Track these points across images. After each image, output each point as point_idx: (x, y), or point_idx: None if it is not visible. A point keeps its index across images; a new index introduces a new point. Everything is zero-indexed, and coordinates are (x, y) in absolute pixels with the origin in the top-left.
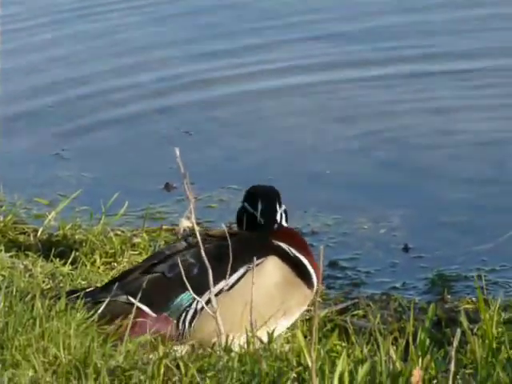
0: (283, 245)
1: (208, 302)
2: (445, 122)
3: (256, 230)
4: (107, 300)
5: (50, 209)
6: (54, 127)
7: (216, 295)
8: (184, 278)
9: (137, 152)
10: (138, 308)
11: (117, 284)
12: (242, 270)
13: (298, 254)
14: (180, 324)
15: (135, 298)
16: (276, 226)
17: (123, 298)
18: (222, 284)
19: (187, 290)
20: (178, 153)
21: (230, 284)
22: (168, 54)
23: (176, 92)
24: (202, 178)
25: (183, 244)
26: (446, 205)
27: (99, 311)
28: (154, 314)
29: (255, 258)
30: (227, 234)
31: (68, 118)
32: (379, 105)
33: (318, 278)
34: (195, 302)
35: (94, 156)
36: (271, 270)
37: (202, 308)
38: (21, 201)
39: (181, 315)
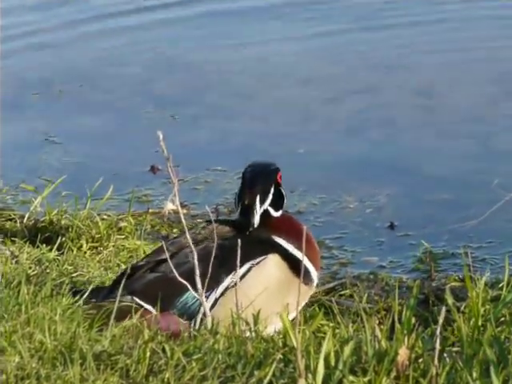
0: (283, 242)
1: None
2: (428, 99)
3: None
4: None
5: (36, 195)
6: (38, 113)
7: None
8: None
9: (122, 135)
10: (143, 307)
11: (122, 283)
12: (244, 269)
13: (296, 252)
14: (191, 322)
15: (140, 297)
16: (254, 226)
17: (128, 298)
18: (226, 282)
19: (192, 288)
20: (161, 136)
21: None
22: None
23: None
24: (188, 160)
25: (189, 238)
26: (430, 182)
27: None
28: (160, 313)
29: (257, 256)
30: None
31: (53, 104)
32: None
33: (317, 268)
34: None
35: (79, 140)
36: (273, 268)
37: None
38: (7, 187)
39: (188, 313)
